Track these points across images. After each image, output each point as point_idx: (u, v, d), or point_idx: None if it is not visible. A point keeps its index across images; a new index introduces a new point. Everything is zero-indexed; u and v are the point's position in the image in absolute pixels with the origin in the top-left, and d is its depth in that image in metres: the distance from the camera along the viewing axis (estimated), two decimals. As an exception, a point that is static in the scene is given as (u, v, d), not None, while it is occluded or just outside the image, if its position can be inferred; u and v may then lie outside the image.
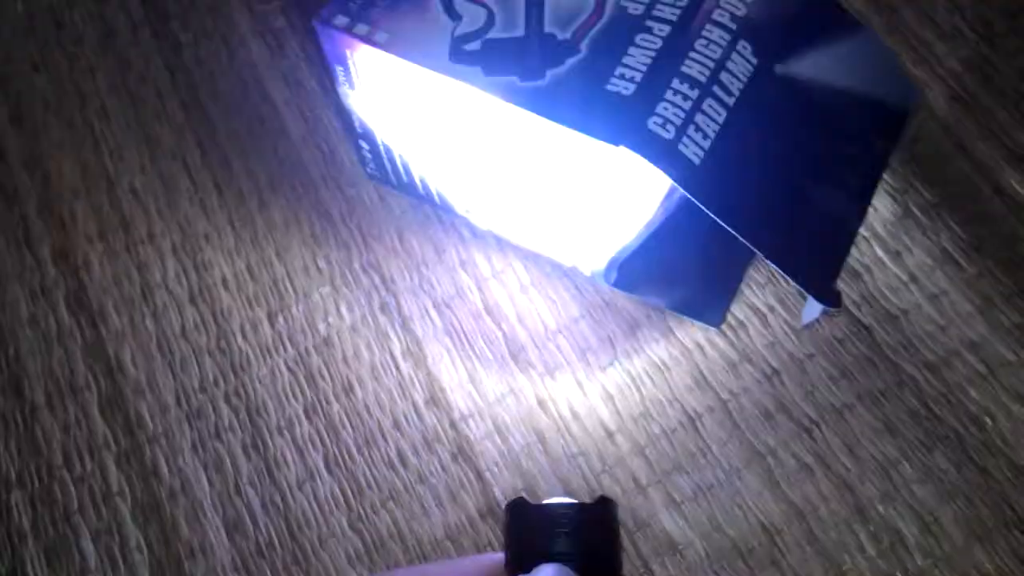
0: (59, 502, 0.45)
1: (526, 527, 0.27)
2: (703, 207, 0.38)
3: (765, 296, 0.47)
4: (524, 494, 0.43)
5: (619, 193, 0.42)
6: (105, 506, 0.45)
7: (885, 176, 0.49)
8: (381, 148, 0.48)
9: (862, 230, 0.48)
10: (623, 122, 0.38)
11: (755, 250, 0.39)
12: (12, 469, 0.46)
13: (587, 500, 0.28)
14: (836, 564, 0.41)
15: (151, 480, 0.45)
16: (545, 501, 0.28)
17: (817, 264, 0.41)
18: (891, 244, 0.48)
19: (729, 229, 0.38)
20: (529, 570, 0.26)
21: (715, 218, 0.38)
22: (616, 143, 0.37)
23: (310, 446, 0.45)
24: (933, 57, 0.54)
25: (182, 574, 0.43)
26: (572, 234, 0.46)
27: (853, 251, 0.47)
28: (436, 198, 0.49)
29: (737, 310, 0.47)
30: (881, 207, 0.48)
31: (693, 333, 0.47)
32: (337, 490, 0.44)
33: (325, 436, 0.46)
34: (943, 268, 0.47)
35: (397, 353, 0.47)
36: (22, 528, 0.45)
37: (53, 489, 0.45)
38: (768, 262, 0.39)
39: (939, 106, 0.52)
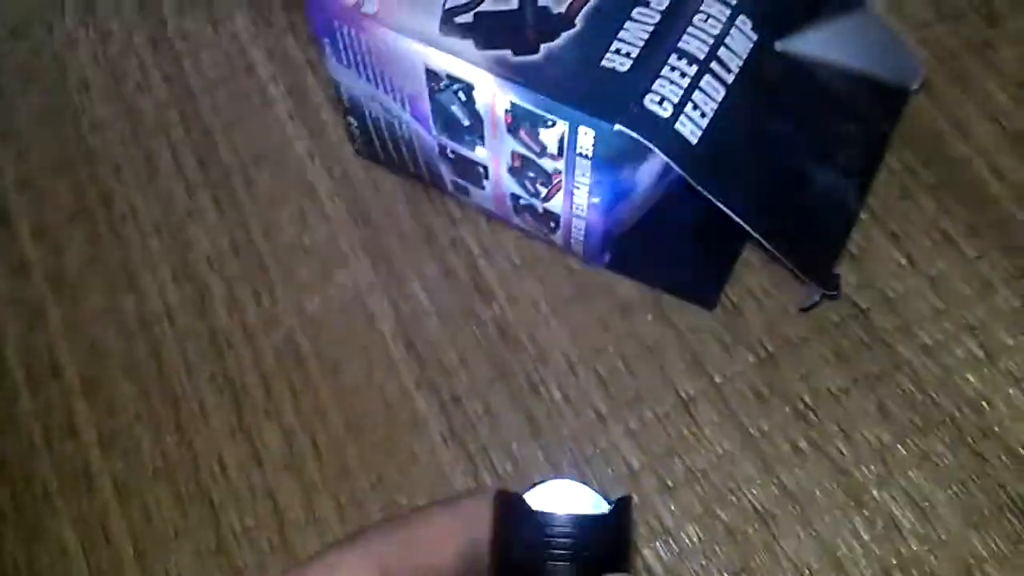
0: (38, 483, 0.44)
1: (520, 539, 0.22)
2: (700, 188, 0.37)
3: (760, 279, 0.46)
4: (513, 476, 0.42)
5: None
6: (86, 488, 0.44)
7: (885, 157, 0.48)
8: (370, 123, 0.47)
9: (862, 211, 0.47)
10: (619, 99, 0.37)
11: (753, 232, 0.38)
12: (-10, 451, 0.45)
13: (587, 484, 0.23)
14: (831, 549, 0.41)
15: (131, 461, 0.44)
16: (543, 494, 0.23)
17: (817, 248, 0.40)
18: (890, 226, 0.47)
19: (727, 211, 0.37)
20: None
21: (712, 200, 0.37)
22: (612, 121, 0.36)
23: (297, 430, 0.44)
24: (933, 38, 0.53)
25: (166, 554, 0.42)
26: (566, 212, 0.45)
27: (852, 233, 0.46)
28: (425, 175, 0.48)
29: (732, 292, 0.46)
30: (880, 189, 0.48)
31: (686, 316, 0.46)
32: (326, 473, 0.43)
33: (312, 419, 0.45)
34: (942, 251, 0.46)
35: (386, 333, 0.47)
36: (1, 508, 0.44)
37: (33, 470, 0.44)
38: (765, 248, 0.39)
39: (939, 88, 0.51)
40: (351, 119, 0.48)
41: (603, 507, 0.22)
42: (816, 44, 0.41)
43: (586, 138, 0.37)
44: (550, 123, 0.38)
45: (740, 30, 0.39)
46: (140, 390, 0.46)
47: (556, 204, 0.43)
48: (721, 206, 0.37)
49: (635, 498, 0.23)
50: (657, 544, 0.41)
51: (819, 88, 0.41)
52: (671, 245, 0.47)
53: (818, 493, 0.42)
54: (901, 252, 0.46)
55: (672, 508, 0.42)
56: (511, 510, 0.22)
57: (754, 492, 0.42)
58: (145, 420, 0.45)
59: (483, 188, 0.46)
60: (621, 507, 0.22)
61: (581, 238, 0.44)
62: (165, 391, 0.46)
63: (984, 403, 0.43)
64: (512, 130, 0.40)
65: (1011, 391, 0.43)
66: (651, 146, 0.36)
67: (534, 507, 0.22)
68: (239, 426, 0.45)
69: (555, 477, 0.23)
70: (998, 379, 0.43)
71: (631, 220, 0.46)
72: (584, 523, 0.21)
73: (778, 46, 0.40)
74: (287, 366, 0.46)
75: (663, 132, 0.36)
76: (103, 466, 0.44)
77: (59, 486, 0.44)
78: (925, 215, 0.47)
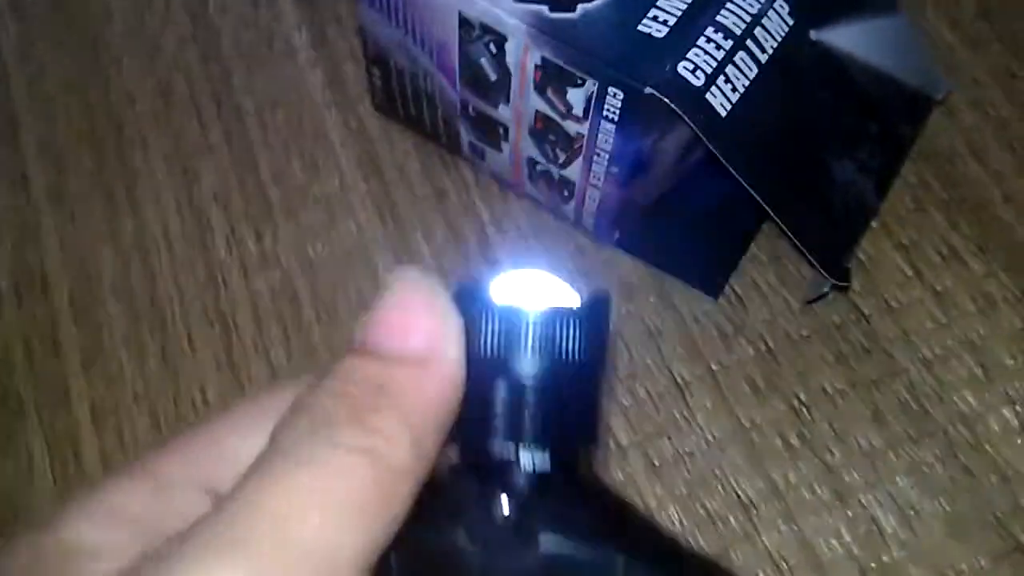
0: (14, 395, 0.43)
1: (482, 334, 0.19)
2: (724, 161, 0.37)
3: (767, 274, 0.46)
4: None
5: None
6: (62, 405, 0.43)
7: (903, 166, 0.48)
8: (393, 75, 0.46)
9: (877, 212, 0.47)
10: (652, 63, 0.37)
11: (770, 214, 0.38)
12: (-31, 357, 0.44)
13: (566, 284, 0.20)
14: (811, 547, 0.40)
15: (113, 384, 0.43)
16: (510, 284, 0.20)
17: (831, 238, 0.40)
18: (899, 236, 0.47)
19: (747, 188, 0.37)
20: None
21: (735, 174, 0.37)
22: (643, 83, 0.36)
23: (285, 369, 0.44)
24: (956, 62, 0.53)
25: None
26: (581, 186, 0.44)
27: (860, 240, 0.46)
28: (443, 135, 0.48)
29: (737, 284, 0.46)
30: (893, 199, 0.48)
31: (689, 302, 0.45)
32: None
33: (302, 360, 0.44)
34: (949, 266, 0.46)
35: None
36: (-27, 418, 0.43)
37: (10, 382, 0.43)
38: (780, 231, 0.38)
39: (959, 111, 0.51)
40: (374, 69, 0.47)
41: (576, 301, 0.20)
42: (850, 39, 0.41)
43: (614, 100, 0.37)
44: (580, 82, 0.38)
45: (778, 13, 0.39)
46: (129, 314, 0.45)
47: (573, 171, 0.43)
48: (743, 182, 0.36)
49: (610, 295, 0.20)
50: (638, 523, 0.41)
51: (848, 83, 0.41)
52: (682, 230, 0.46)
53: (804, 490, 0.41)
54: (908, 263, 0.46)
55: (656, 489, 0.41)
56: (473, 304, 0.19)
57: (740, 482, 0.41)
58: (131, 344, 0.44)
59: (500, 151, 0.45)
60: (598, 301, 0.20)
61: (593, 210, 0.44)
62: (155, 318, 0.45)
63: (978, 421, 0.43)
64: (540, 88, 0.39)
65: (1006, 412, 0.43)
66: (680, 112, 0.36)
67: (500, 301, 0.19)
68: (227, 360, 0.44)
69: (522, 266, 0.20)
70: (994, 399, 0.43)
71: (645, 200, 0.46)
72: (554, 317, 0.19)
73: (813, 34, 0.40)
74: (282, 306, 0.45)
75: (693, 100, 0.36)
76: (83, 386, 0.43)
77: (35, 401, 0.43)
78: (936, 229, 0.47)
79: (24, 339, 0.44)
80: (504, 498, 0.19)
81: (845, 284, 0.41)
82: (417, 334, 0.19)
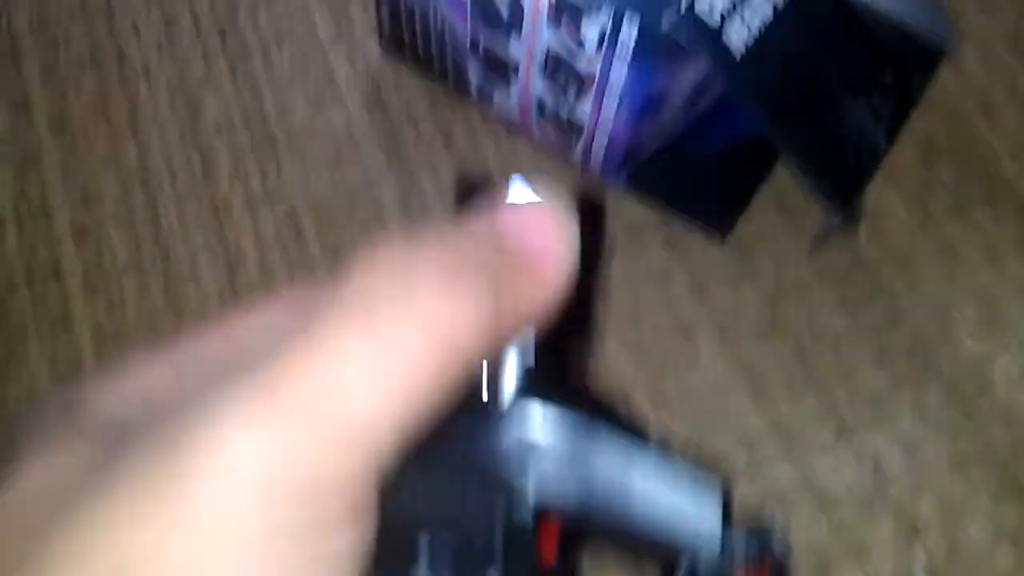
0: (14, 320, 0.42)
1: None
2: (738, 100, 0.36)
3: (775, 220, 0.46)
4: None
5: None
6: (63, 330, 0.42)
7: (911, 116, 0.48)
8: (402, 10, 0.46)
9: (880, 171, 0.47)
10: (669, 4, 0.36)
11: (782, 151, 0.38)
12: (-32, 281, 0.43)
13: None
14: (814, 483, 0.40)
15: (114, 310, 0.43)
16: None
17: (841, 175, 0.40)
18: (906, 187, 0.47)
19: (759, 126, 0.37)
20: None
21: (748, 114, 0.37)
22: (660, 25, 0.36)
23: (289, 301, 0.43)
24: (969, 26, 0.53)
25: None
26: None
27: (868, 191, 0.46)
28: (451, 74, 0.47)
29: (744, 230, 0.46)
30: (901, 150, 0.48)
31: (695, 247, 0.45)
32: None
33: (306, 293, 0.44)
34: (955, 216, 0.46)
35: (392, 224, 0.46)
36: (-28, 341, 0.42)
37: (10, 307, 0.43)
38: (789, 177, 0.38)
39: (969, 66, 0.51)
40: (383, 4, 0.47)
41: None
42: (866, -19, 0.41)
43: (628, 36, 0.37)
44: (594, 12, 0.37)
45: (796, -50, 0.38)
46: (132, 242, 0.44)
47: (583, 111, 0.42)
48: (757, 121, 0.36)
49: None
50: (641, 459, 0.41)
51: (862, 29, 0.41)
52: (692, 171, 0.46)
53: (807, 429, 0.41)
54: (914, 213, 0.46)
55: (661, 427, 0.41)
56: (470, 194, 0.19)
57: (743, 421, 0.42)
58: (134, 272, 0.44)
59: (509, 93, 0.45)
60: (595, 208, 0.20)
61: (602, 151, 0.44)
62: (158, 246, 0.44)
63: (981, 364, 0.43)
64: (553, 21, 0.39)
65: (1009, 359, 0.43)
66: (694, 51, 0.35)
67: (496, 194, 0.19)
68: (230, 289, 0.43)
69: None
70: (998, 347, 0.43)
71: (653, 145, 0.46)
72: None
73: (829, -26, 0.40)
74: (285, 241, 0.45)
75: (709, 40, 0.36)
76: (84, 311, 0.43)
77: (36, 327, 0.43)
78: (942, 181, 0.47)
79: (26, 264, 0.44)
80: (486, 388, 0.18)
81: (853, 222, 0.41)
82: (544, 233, 0.17)
